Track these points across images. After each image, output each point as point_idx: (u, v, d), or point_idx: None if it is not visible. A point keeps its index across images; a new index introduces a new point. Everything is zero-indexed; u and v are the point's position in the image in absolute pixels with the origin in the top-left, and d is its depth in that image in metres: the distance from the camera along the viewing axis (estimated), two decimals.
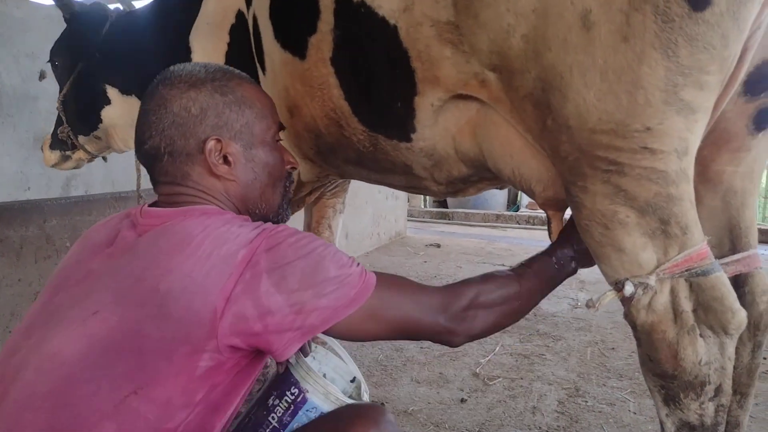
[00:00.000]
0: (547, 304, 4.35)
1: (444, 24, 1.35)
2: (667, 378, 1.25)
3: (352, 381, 1.63)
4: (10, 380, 1.04)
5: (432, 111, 1.49)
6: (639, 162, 1.16)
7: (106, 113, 2.69)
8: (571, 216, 1.46)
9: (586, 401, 2.76)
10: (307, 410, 1.38)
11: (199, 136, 1.21)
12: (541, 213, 9.42)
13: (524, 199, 10.76)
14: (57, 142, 2.94)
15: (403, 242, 7.23)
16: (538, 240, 7.68)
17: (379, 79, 1.55)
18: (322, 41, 1.61)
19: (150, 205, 1.24)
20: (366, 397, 1.55)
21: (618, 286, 1.26)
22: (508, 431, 2.46)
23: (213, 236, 1.09)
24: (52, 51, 2.85)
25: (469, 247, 6.94)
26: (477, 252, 6.59)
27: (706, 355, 1.23)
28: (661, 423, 1.31)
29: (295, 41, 1.71)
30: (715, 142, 1.37)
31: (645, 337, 1.27)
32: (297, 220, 4.06)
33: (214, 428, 1.10)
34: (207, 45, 2.21)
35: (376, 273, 1.18)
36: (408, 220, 8.01)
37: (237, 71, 1.32)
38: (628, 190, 1.19)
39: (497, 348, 3.40)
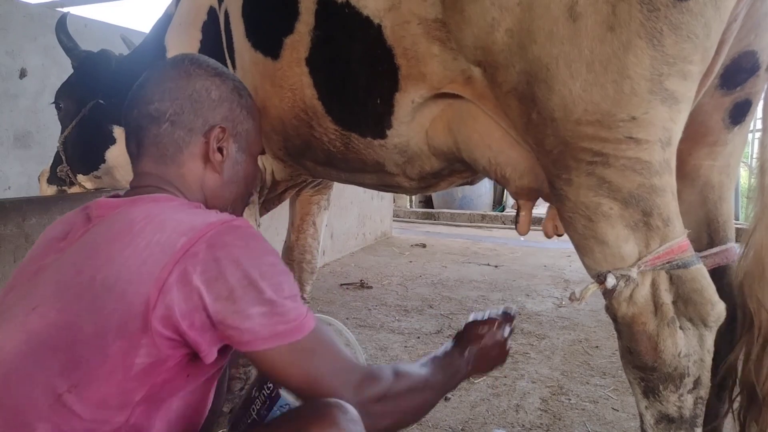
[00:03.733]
0: (531, 303, 4.36)
1: (432, 21, 1.35)
2: (646, 370, 1.25)
3: None
4: None
5: (411, 108, 1.50)
6: (624, 152, 1.17)
7: (111, 153, 2.79)
8: (468, 322, 1.47)
9: (569, 399, 2.76)
10: (280, 406, 1.36)
11: (209, 119, 1.22)
12: None
13: (510, 200, 10.80)
14: (55, 178, 3.03)
15: (389, 242, 7.22)
16: (524, 239, 7.70)
17: (358, 78, 1.55)
18: (299, 42, 1.61)
19: (110, 197, 1.19)
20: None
21: (600, 278, 1.26)
22: (490, 429, 2.46)
23: (155, 223, 1.03)
24: (57, 93, 2.95)
25: (454, 247, 6.95)
26: (462, 252, 6.59)
27: (685, 347, 1.23)
28: (641, 415, 1.31)
29: (267, 42, 1.71)
30: (691, 136, 1.38)
31: (626, 329, 1.27)
32: (283, 216, 4.04)
33: None
34: (180, 42, 2.22)
35: (315, 321, 1.08)
36: (394, 221, 8.01)
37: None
38: (612, 181, 1.19)
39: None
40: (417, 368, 1.27)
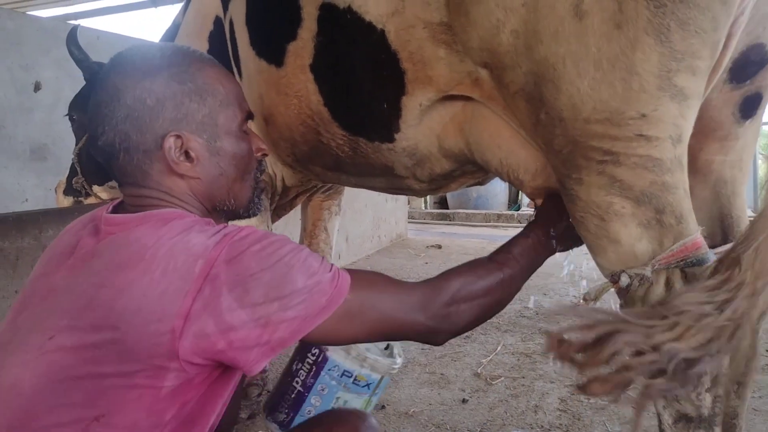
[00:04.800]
0: (549, 302, 4.33)
1: (437, 25, 1.35)
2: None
3: (386, 348, 1.58)
4: None
5: (419, 111, 1.50)
6: (634, 150, 1.15)
7: None
8: (546, 197, 1.46)
9: (588, 398, 2.73)
10: (329, 369, 1.36)
11: (157, 131, 1.07)
12: None
13: (525, 198, 10.75)
14: (71, 190, 3.06)
15: (404, 244, 7.21)
16: None
17: (363, 83, 1.55)
18: (303, 48, 1.61)
19: (116, 207, 1.14)
20: (399, 360, 1.50)
21: (614, 277, 1.24)
22: (509, 431, 2.44)
23: (166, 248, 0.98)
24: (71, 105, 2.99)
25: (470, 247, 6.93)
26: (478, 252, 6.56)
27: None
28: (658, 415, 1.29)
29: (271, 49, 1.71)
30: (702, 131, 1.36)
31: None
32: (295, 223, 4.05)
33: None
34: None
35: (351, 272, 1.08)
36: (408, 222, 8.00)
37: (198, 53, 1.18)
38: (624, 179, 1.18)
39: (499, 348, 3.39)
40: (492, 260, 1.31)
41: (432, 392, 2.83)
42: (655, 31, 1.09)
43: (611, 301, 1.44)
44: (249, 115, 1.22)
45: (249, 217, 1.24)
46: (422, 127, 1.52)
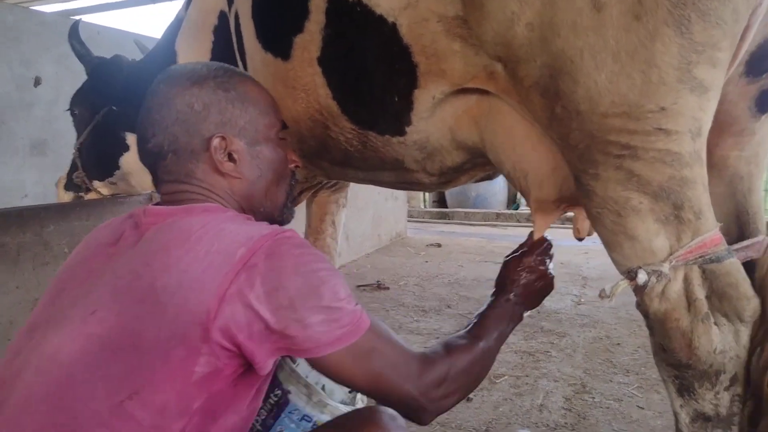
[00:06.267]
0: (550, 302, 4.31)
1: (452, 19, 1.33)
2: (681, 368, 1.22)
3: (351, 392, 1.58)
4: (11, 383, 1.01)
5: (432, 103, 1.48)
6: (653, 144, 1.13)
7: (125, 159, 2.81)
8: (505, 261, 1.47)
9: (593, 397, 2.72)
10: (289, 412, 1.37)
11: (203, 133, 1.17)
12: None
13: (523, 198, 10.73)
14: (72, 185, 3.07)
15: (404, 243, 7.19)
16: None
17: (374, 76, 1.52)
18: (310, 41, 1.59)
19: (154, 205, 1.21)
20: (363, 402, 1.50)
21: (631, 274, 1.23)
22: (515, 429, 2.42)
23: (213, 232, 1.05)
24: (72, 101, 3.00)
25: (469, 246, 6.91)
26: (478, 251, 6.55)
27: (720, 343, 1.20)
28: (675, 414, 1.28)
29: (278, 42, 1.69)
30: (717, 126, 1.34)
31: (658, 326, 1.24)
32: (299, 217, 4.04)
33: None
34: (191, 46, 2.22)
35: (369, 317, 1.10)
36: (408, 221, 7.97)
37: (238, 69, 1.29)
38: (642, 174, 1.16)
39: (502, 346, 3.36)
40: (470, 336, 1.29)
41: None
42: (675, 22, 1.07)
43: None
44: (284, 125, 1.33)
45: (281, 223, 1.28)
46: (434, 119, 1.50)
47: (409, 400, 1.12)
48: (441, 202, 10.72)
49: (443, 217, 9.73)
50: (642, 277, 1.20)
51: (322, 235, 2.55)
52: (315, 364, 1.06)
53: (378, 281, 4.90)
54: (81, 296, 1.06)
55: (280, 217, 1.32)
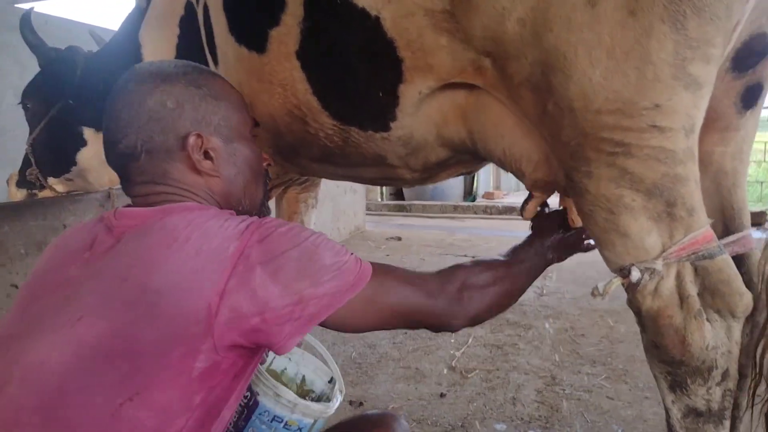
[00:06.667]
0: None
1: (439, 13, 1.30)
2: (674, 364, 1.22)
3: (330, 381, 1.58)
4: None
5: (418, 99, 1.44)
6: (647, 141, 1.13)
7: (82, 155, 2.68)
8: (538, 214, 1.51)
9: (564, 389, 2.75)
10: (259, 413, 1.37)
11: (179, 131, 1.13)
12: (497, 202, 9.50)
13: (480, 189, 10.84)
14: (24, 182, 2.92)
15: (364, 236, 7.16)
16: (497, 229, 7.73)
17: (357, 71, 1.48)
18: (287, 35, 1.53)
19: (125, 207, 1.15)
20: (339, 398, 1.50)
21: (623, 272, 1.22)
22: (490, 424, 2.43)
23: (200, 230, 1.02)
24: (24, 93, 2.85)
25: (429, 239, 6.93)
26: (438, 244, 6.57)
27: (713, 339, 1.20)
28: (667, 410, 1.28)
29: (252, 35, 1.63)
30: (703, 122, 1.35)
31: (651, 324, 1.23)
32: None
33: None
34: (156, 38, 2.13)
35: (370, 262, 1.14)
36: (366, 214, 7.95)
37: (205, 67, 1.28)
38: (635, 172, 1.15)
39: (470, 340, 3.37)
40: (499, 260, 1.36)
41: (409, 387, 2.79)
42: (670, 18, 1.06)
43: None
44: (256, 122, 1.32)
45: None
46: (420, 115, 1.46)
47: (437, 311, 1.18)
48: (398, 194, 10.72)
49: (401, 209, 9.75)
50: (635, 274, 1.20)
51: None
52: (335, 321, 1.07)
53: None
54: (61, 304, 1.01)
55: (257, 214, 1.27)
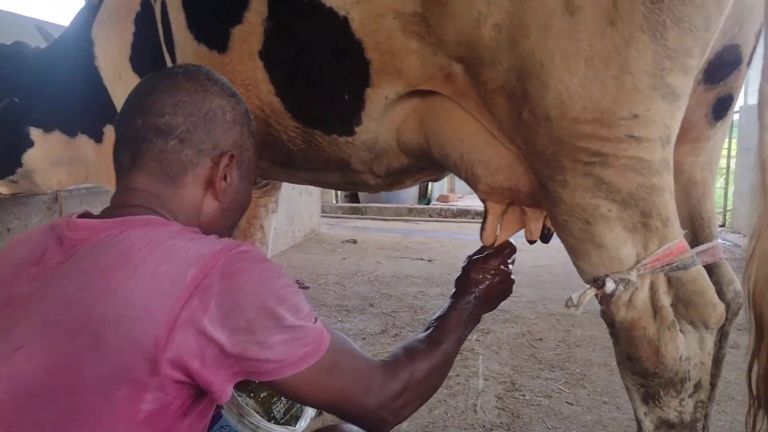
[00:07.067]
0: None
1: (410, 16, 1.26)
2: (647, 376, 1.21)
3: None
4: None
5: (385, 104, 1.40)
6: (624, 152, 1.11)
7: (28, 156, 2.51)
8: (469, 262, 1.42)
9: (524, 395, 2.75)
10: (220, 426, 1.34)
11: (219, 143, 1.10)
12: (452, 205, 9.54)
13: (435, 192, 10.88)
14: None
15: (319, 239, 7.08)
16: (452, 232, 7.76)
17: (322, 72, 1.43)
18: (251, 33, 1.48)
19: (80, 216, 1.05)
20: (302, 424, 1.44)
21: (598, 282, 1.21)
22: None
23: (159, 250, 0.92)
24: None
25: (385, 242, 6.90)
26: (394, 247, 6.55)
27: (686, 350, 1.19)
28: (639, 422, 1.27)
29: (213, 33, 1.57)
30: None
31: (624, 335, 1.22)
32: None
33: None
34: (110, 35, 2.05)
35: (329, 330, 1.03)
36: (321, 217, 7.88)
37: None
38: (611, 182, 1.14)
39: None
40: (431, 341, 1.23)
41: None
42: (650, 27, 1.05)
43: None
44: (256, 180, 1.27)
45: None
46: (384, 120, 1.43)
47: (371, 413, 1.07)
48: (353, 197, 10.67)
49: (356, 212, 9.70)
50: (610, 285, 1.18)
51: (251, 239, 2.42)
52: (276, 385, 0.97)
53: (297, 281, 4.79)
54: (2, 329, 0.92)
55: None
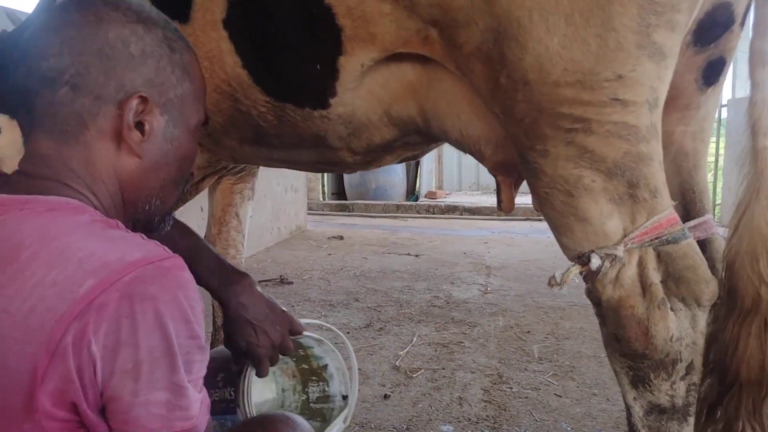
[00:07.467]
0: (457, 291, 4.28)
1: None
2: (636, 358, 1.14)
3: (344, 398, 1.39)
4: None
5: (360, 72, 1.31)
6: (609, 117, 1.04)
7: None
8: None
9: (511, 387, 2.67)
10: (229, 419, 1.24)
11: (125, 83, 0.86)
12: (440, 202, 9.48)
13: (423, 189, 10.81)
14: None
15: (305, 236, 6.99)
16: (439, 228, 7.70)
17: (291, 41, 1.34)
18: (213, 1, 1.39)
19: None
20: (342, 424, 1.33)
21: (582, 259, 1.13)
22: (437, 426, 2.32)
23: (51, 249, 0.73)
24: None
25: (372, 238, 6.81)
26: (381, 243, 6.46)
27: (677, 330, 1.12)
28: (628, 408, 1.19)
29: (173, 1, 1.45)
30: None
31: (611, 314, 1.14)
32: (203, 205, 3.76)
33: None
34: None
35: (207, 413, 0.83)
36: (307, 213, 7.79)
37: (184, 36, 1.01)
38: (595, 150, 1.06)
39: (414, 339, 3.27)
40: None
41: None
42: None
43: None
44: (206, 120, 1.09)
45: (157, 233, 1.00)
46: (362, 90, 1.34)
47: None
48: (340, 194, 10.59)
49: (343, 209, 9.62)
50: (595, 261, 1.11)
51: (226, 227, 2.32)
52: None
53: (281, 276, 4.70)
54: None
55: (160, 224, 1.02)
